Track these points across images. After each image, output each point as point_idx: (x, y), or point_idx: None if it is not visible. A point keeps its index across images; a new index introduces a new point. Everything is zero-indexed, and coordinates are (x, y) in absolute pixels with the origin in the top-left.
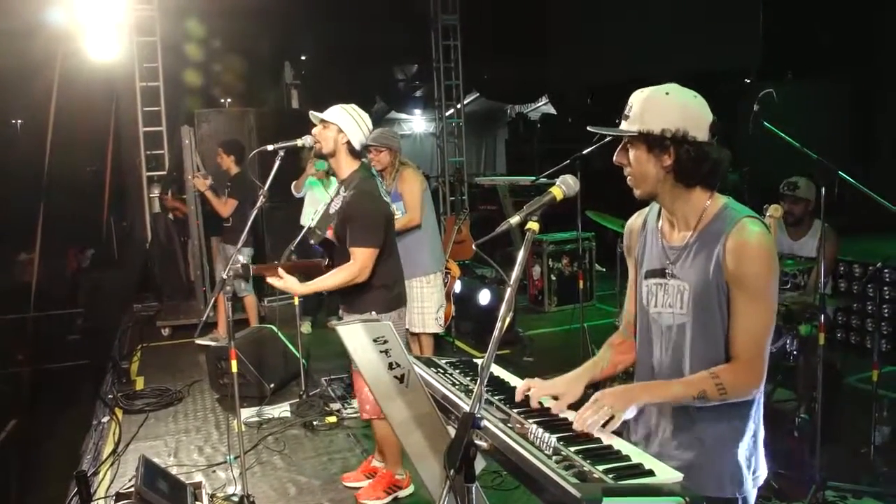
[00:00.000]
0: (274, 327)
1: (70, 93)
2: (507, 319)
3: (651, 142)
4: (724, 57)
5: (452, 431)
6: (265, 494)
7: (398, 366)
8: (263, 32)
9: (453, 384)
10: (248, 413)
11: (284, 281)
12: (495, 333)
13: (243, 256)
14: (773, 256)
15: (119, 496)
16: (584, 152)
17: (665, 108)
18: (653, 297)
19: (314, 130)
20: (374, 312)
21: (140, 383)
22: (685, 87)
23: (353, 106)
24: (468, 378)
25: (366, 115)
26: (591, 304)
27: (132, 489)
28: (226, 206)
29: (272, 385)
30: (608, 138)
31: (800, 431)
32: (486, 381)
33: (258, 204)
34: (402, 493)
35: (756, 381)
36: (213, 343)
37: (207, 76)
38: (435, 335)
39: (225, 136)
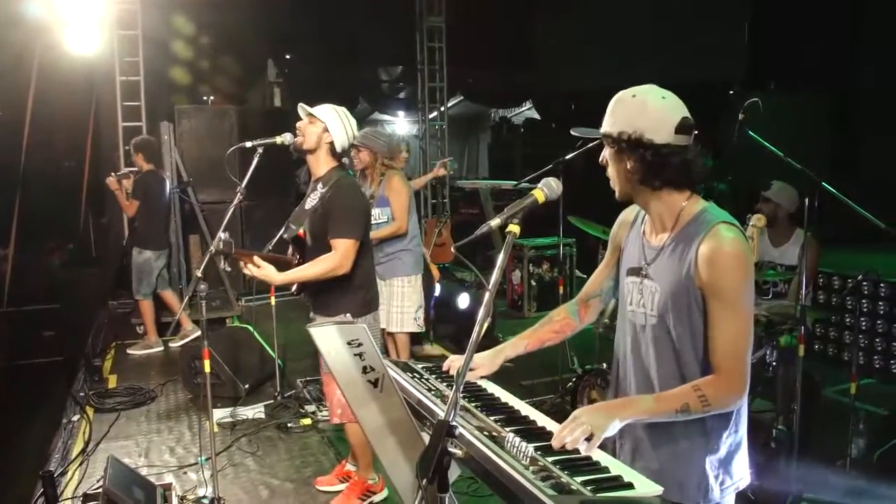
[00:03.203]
0: (250, 327)
1: (49, 86)
2: (486, 324)
3: (612, 143)
4: (708, 67)
5: (427, 438)
6: (237, 497)
7: (372, 369)
8: (247, 30)
9: (429, 389)
10: (221, 414)
11: (262, 269)
12: (473, 338)
13: (226, 234)
14: (747, 263)
15: (87, 497)
16: (567, 157)
17: (624, 110)
18: (629, 294)
19: (299, 123)
20: (348, 315)
21: (112, 381)
22: (661, 88)
23: (344, 109)
24: (444, 383)
25: (353, 121)
26: None
27: (100, 490)
28: (129, 207)
29: (247, 385)
30: (591, 144)
31: (777, 443)
32: (461, 387)
33: (237, 201)
34: (376, 499)
35: (739, 391)
36: (186, 340)
37: (189, 72)
38: (411, 336)
39: (206, 132)
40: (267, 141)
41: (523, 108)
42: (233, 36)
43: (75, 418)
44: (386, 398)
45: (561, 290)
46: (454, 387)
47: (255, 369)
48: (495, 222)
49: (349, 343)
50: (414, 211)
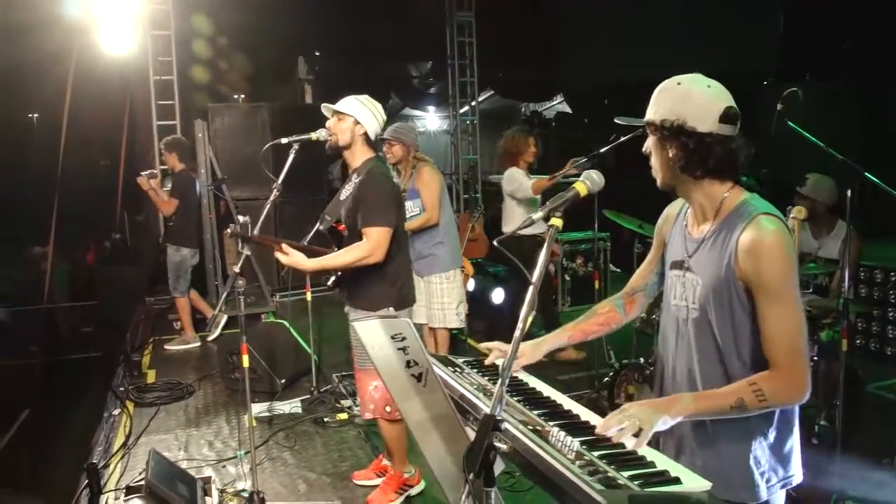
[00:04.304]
0: (286, 322)
1: (85, 86)
2: (529, 320)
3: (655, 131)
4: (741, 58)
5: (470, 433)
6: (275, 490)
7: (416, 364)
8: (277, 27)
9: (471, 384)
10: (258, 408)
11: (291, 256)
12: (516, 334)
13: (243, 217)
14: (790, 254)
15: (129, 489)
16: (602, 150)
17: (668, 97)
18: (673, 288)
19: (328, 123)
20: (391, 309)
21: (151, 376)
22: (707, 77)
23: (367, 96)
24: (486, 378)
25: (379, 106)
26: None
27: (142, 482)
28: (168, 206)
29: (283, 380)
30: (624, 138)
31: (819, 439)
32: (507, 381)
33: (273, 197)
34: (413, 492)
35: (800, 386)
36: (221, 325)
37: (221, 70)
38: (451, 333)
39: (239, 130)
40: (302, 137)
41: (554, 102)
42: (263, 34)
43: (116, 412)
44: (430, 393)
45: (596, 285)
46: (499, 381)
47: (291, 364)
48: (538, 216)
49: (393, 337)
50: (447, 203)
